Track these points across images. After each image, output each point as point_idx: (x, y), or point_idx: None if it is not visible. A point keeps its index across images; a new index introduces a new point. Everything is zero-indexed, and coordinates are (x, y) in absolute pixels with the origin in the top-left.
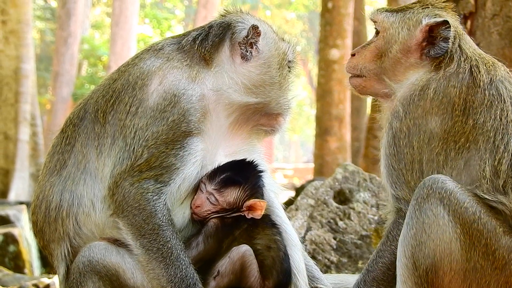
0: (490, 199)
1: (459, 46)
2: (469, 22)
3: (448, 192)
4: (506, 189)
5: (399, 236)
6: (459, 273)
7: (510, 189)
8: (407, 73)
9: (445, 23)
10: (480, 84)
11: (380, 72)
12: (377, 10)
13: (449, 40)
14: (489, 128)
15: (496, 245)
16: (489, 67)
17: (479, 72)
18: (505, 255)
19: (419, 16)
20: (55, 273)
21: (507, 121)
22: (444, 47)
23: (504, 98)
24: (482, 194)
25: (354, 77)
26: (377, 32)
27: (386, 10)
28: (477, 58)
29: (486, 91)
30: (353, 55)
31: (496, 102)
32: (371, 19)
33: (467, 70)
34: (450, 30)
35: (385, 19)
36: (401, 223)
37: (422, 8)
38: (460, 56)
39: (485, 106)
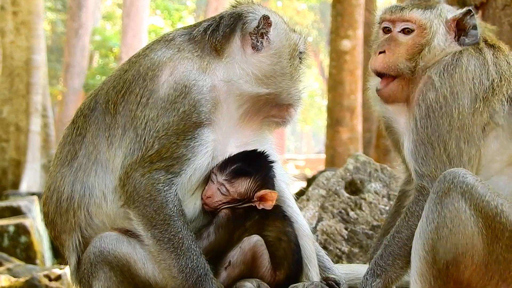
0: None
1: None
2: (480, 13)
3: (469, 186)
4: None
5: (417, 213)
6: (480, 266)
7: None
8: (440, 57)
9: (469, 12)
10: (505, 52)
11: (417, 66)
12: (402, 9)
13: (477, 26)
14: None
15: None
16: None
17: (500, 43)
18: None
19: (444, 11)
20: (66, 263)
21: None
22: (475, 34)
23: None
24: None
25: (386, 84)
26: (408, 30)
27: (413, 8)
28: (491, 37)
29: (508, 58)
30: (381, 52)
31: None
32: (403, 20)
33: (491, 44)
34: (474, 17)
35: (421, 16)
36: (421, 200)
37: (440, 4)
38: (483, 37)
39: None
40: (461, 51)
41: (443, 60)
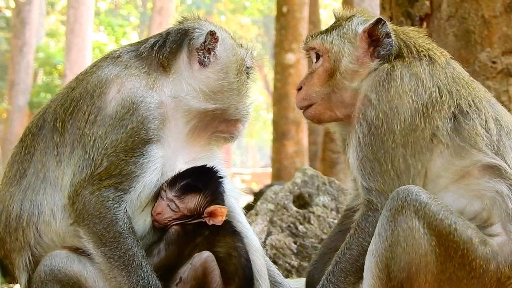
0: (490, 156)
1: (403, 40)
2: (425, 24)
3: (422, 205)
4: (501, 149)
5: (367, 229)
6: (434, 284)
7: (504, 148)
8: (363, 75)
9: (379, 21)
10: (441, 64)
11: (333, 89)
12: (310, 37)
13: (391, 34)
14: (464, 96)
15: (473, 255)
16: (441, 52)
17: (435, 55)
18: (482, 264)
19: (352, 27)
20: (16, 282)
21: (472, 87)
22: (389, 42)
23: (461, 72)
24: (484, 156)
25: (307, 108)
26: (318, 57)
27: (319, 34)
28: (424, 47)
29: (446, 70)
30: (299, 89)
31: (459, 76)
32: (309, 48)
33: (422, 56)
34: (387, 25)
35: (323, 41)
36: (370, 215)
37: (349, 21)
38: (409, 49)
39: (452, 81)
40: (393, 65)
41: (374, 76)
